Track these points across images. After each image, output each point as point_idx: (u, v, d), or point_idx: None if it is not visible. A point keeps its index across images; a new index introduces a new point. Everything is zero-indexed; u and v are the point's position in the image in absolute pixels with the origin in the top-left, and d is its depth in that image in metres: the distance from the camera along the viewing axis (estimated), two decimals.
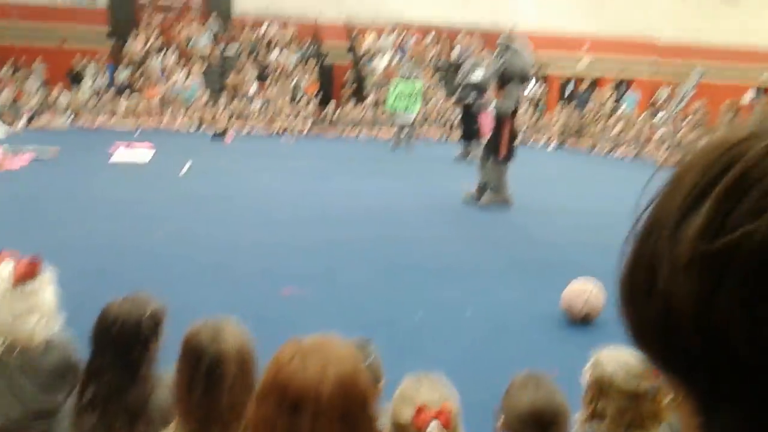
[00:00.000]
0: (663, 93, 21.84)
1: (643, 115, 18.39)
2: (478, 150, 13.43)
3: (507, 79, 8.55)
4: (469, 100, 13.23)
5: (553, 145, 17.64)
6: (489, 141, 9.07)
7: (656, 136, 16.34)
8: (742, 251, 0.40)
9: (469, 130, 13.56)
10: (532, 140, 17.95)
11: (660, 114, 18.95)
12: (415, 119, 15.37)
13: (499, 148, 8.68)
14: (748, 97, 22.84)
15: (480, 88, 12.94)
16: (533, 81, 14.53)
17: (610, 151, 16.68)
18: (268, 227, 7.35)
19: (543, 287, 5.54)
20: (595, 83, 21.50)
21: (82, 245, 6.21)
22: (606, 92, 20.69)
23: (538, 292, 5.48)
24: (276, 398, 1.27)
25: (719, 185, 0.42)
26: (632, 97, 20.73)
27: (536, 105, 19.83)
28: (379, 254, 6.49)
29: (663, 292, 0.44)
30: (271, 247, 6.56)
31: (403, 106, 14.75)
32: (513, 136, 8.88)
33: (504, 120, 8.69)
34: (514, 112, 8.82)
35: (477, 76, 13.03)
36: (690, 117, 17.75)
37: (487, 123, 9.17)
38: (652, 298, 0.45)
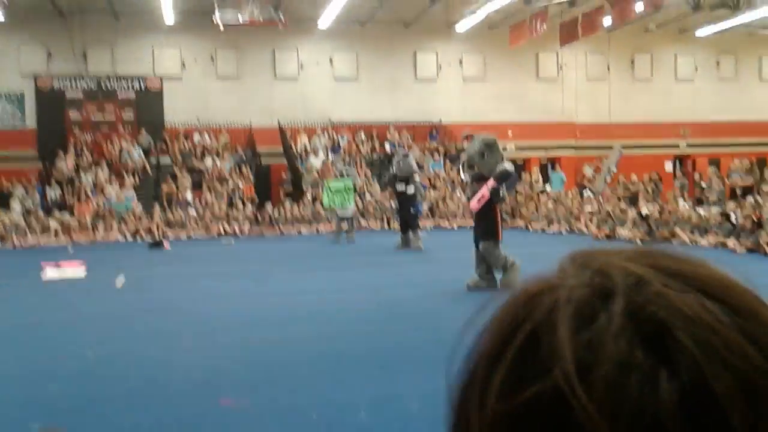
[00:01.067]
0: (588, 170, 22.83)
1: (570, 192, 19.11)
2: (415, 238, 13.66)
3: (487, 172, 9.25)
4: (402, 189, 13.64)
5: None
6: (478, 229, 9.45)
7: (586, 211, 16.93)
8: (533, 413, 0.40)
9: (406, 220, 13.90)
10: (469, 225, 18.30)
11: (587, 191, 19.74)
12: (353, 212, 15.73)
13: (495, 231, 9.26)
14: (668, 166, 24.10)
15: (407, 179, 13.59)
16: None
17: (545, 228, 17.15)
18: (205, 336, 7.15)
19: None
20: (523, 166, 22.36)
21: (7, 373, 5.90)
22: (534, 174, 21.49)
23: None
24: None
25: (513, 344, 0.43)
26: (558, 176, 21.60)
27: None
28: (322, 352, 6.37)
29: None
30: (209, 356, 6.36)
31: (339, 201, 15.10)
32: (501, 218, 9.63)
33: (493, 203, 9.34)
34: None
35: (411, 166, 13.73)
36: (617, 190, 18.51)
37: (478, 201, 9.52)
38: None
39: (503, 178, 9.37)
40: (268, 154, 21.95)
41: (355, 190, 15.71)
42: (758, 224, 12.30)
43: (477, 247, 9.37)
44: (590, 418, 0.38)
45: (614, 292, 0.42)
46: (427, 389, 5.26)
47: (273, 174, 21.68)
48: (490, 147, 9.33)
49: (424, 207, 19.11)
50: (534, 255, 9.62)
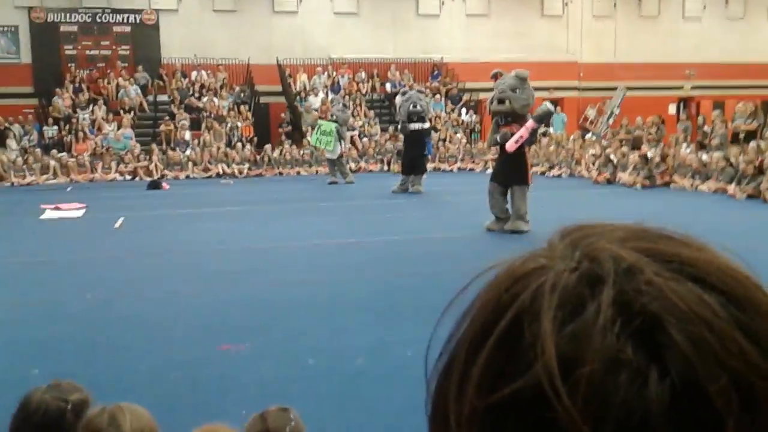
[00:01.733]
0: (590, 112, 22.57)
1: (573, 135, 18.91)
2: (418, 180, 13.56)
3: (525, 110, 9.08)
4: (417, 127, 13.48)
5: (489, 170, 17.91)
6: (510, 173, 9.21)
7: (587, 155, 16.81)
8: (514, 410, 0.38)
9: (414, 161, 13.69)
10: (469, 167, 18.24)
11: (589, 134, 19.55)
12: (340, 155, 15.70)
13: (527, 176, 9.19)
14: (672, 108, 23.80)
15: (422, 118, 13.41)
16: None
17: (546, 171, 17.05)
18: (205, 280, 7.19)
19: None
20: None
21: (7, 317, 5.95)
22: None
23: None
24: None
25: (495, 331, 0.40)
26: (559, 117, 21.40)
27: (471, 132, 20.19)
28: (321, 298, 6.42)
29: None
30: (207, 301, 6.41)
31: (324, 142, 15.06)
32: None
33: (523, 147, 9.14)
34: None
35: (428, 104, 13.67)
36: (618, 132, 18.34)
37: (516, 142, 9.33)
38: None
39: (544, 118, 9.14)
40: (266, 93, 21.64)
41: (340, 136, 15.51)
42: (760, 170, 12.22)
43: (502, 187, 9.23)
44: (573, 421, 0.36)
45: (603, 279, 0.39)
46: (424, 336, 5.32)
47: (272, 113, 21.43)
48: (523, 81, 9.12)
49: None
50: (535, 199, 9.63)
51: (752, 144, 13.85)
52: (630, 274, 0.39)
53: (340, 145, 15.58)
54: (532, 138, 9.17)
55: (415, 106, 13.42)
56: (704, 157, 14.02)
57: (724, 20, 26.88)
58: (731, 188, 12.50)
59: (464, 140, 19.58)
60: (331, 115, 16.11)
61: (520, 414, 0.38)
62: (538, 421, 0.37)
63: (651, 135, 17.45)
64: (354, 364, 4.82)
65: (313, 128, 18.77)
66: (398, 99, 15.03)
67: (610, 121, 21.43)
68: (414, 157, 13.66)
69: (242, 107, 19.77)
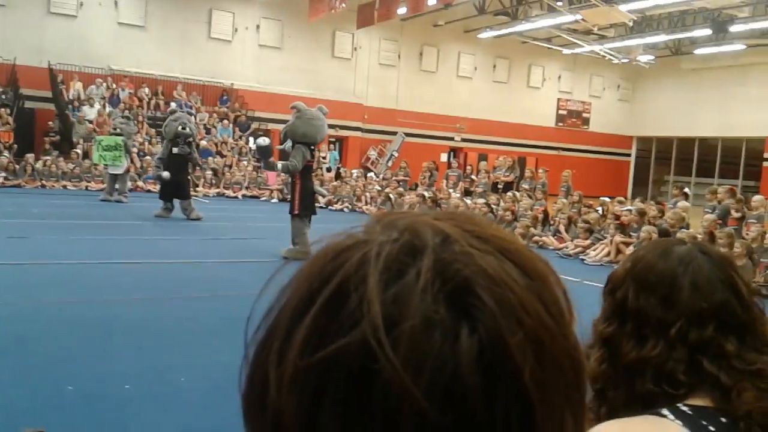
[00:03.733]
0: (372, 153, 23.75)
1: (356, 172, 19.70)
2: (190, 207, 12.85)
3: (294, 140, 9.30)
4: (185, 150, 12.77)
5: (274, 200, 17.95)
6: (289, 199, 9.61)
7: (368, 193, 17.60)
8: (338, 367, 0.40)
9: (180, 186, 12.75)
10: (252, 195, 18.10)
11: (371, 173, 20.53)
12: (125, 171, 14.87)
13: (293, 204, 9.40)
14: (444, 156, 25.81)
15: (187, 140, 12.78)
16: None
17: (327, 205, 17.49)
18: None
19: None
20: None
21: None
22: (323, 151, 21.85)
23: None
24: None
25: (320, 297, 0.42)
26: (333, 155, 22.49)
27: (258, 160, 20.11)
28: (86, 321, 5.90)
29: (273, 409, 0.42)
30: None
31: (110, 158, 14.17)
32: (306, 192, 9.48)
33: (294, 178, 9.45)
34: (306, 170, 9.45)
35: (187, 129, 12.77)
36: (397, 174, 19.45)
37: (271, 177, 9.81)
38: (265, 414, 0.43)
39: (261, 153, 9.84)
40: (33, 98, 19.68)
41: (127, 149, 14.68)
42: (514, 217, 13.72)
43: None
44: (395, 370, 0.39)
45: (423, 248, 0.43)
46: (199, 362, 5.12)
47: (38, 120, 19.51)
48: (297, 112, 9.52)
49: (208, 174, 18.50)
50: (318, 230, 9.81)
51: (509, 193, 15.53)
52: (446, 244, 0.44)
53: (126, 159, 14.70)
54: (270, 169, 9.74)
55: (183, 128, 12.61)
56: (469, 201, 15.40)
57: (491, 82, 30.02)
58: None
59: (250, 167, 19.45)
60: (114, 128, 15.08)
61: (343, 370, 0.40)
62: (361, 374, 0.40)
63: (424, 179, 18.78)
64: (122, 390, 4.48)
65: (86, 141, 17.46)
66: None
67: (389, 162, 22.72)
68: (181, 181, 12.69)
69: (2, 110, 17.75)
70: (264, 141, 9.77)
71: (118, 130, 14.78)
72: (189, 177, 13.13)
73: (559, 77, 31.35)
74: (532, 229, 13.09)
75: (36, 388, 4.39)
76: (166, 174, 12.55)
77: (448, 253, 0.43)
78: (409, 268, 0.42)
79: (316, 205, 10.27)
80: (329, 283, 0.42)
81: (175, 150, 12.68)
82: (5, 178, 15.84)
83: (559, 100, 31.79)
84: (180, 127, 12.61)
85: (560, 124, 31.89)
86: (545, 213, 13.98)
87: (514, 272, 0.43)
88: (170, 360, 5.11)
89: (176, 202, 12.90)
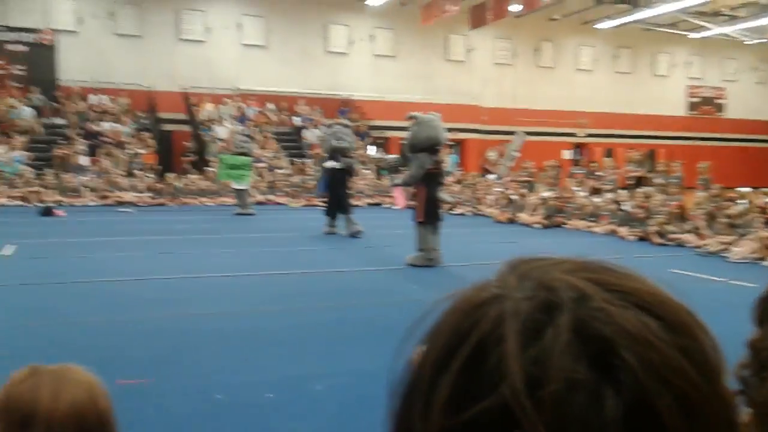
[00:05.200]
0: (491, 154, 23.45)
1: (475, 175, 19.55)
2: (351, 221, 12.36)
3: (416, 148, 9.26)
4: (339, 164, 12.37)
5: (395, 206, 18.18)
6: (413, 207, 9.61)
7: (490, 195, 17.40)
8: (481, 428, 0.40)
9: (339, 199, 12.38)
10: (376, 202, 18.41)
11: (491, 175, 20.28)
12: (248, 185, 15.60)
13: (418, 212, 9.40)
14: (567, 154, 25.08)
15: (345, 153, 12.47)
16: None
17: (450, 208, 17.47)
18: (106, 310, 6.85)
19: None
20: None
21: None
22: (443, 156, 21.87)
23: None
24: (5, 416, 1.26)
25: (458, 355, 0.43)
26: (452, 157, 22.41)
27: (378, 168, 20.45)
28: (229, 331, 6.25)
29: None
30: (106, 333, 6.10)
31: (235, 177, 14.82)
32: (430, 200, 9.37)
33: (418, 186, 9.39)
34: (430, 178, 9.32)
35: (344, 141, 12.47)
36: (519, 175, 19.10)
37: (398, 195, 9.98)
38: None
39: (390, 169, 9.86)
40: (170, 121, 21.12)
41: (249, 166, 15.38)
42: (648, 215, 13.06)
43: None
44: None
45: (559, 306, 0.42)
46: (334, 370, 5.28)
47: (175, 142, 20.91)
48: (414, 121, 9.53)
49: None
50: (444, 235, 9.86)
51: (640, 190, 14.82)
52: (582, 301, 0.43)
53: (251, 177, 15.47)
54: (408, 185, 9.69)
55: (339, 141, 12.34)
56: (597, 200, 14.84)
57: (613, 74, 28.83)
58: (622, 230, 13.26)
59: (370, 174, 19.83)
60: (237, 146, 15.78)
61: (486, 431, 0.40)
62: None
63: (549, 178, 18.30)
64: (263, 398, 4.71)
65: (217, 159, 18.48)
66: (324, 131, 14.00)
67: (511, 164, 22.36)
68: (340, 194, 12.28)
69: (144, 134, 19.18)
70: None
71: (243, 149, 15.43)
72: (348, 191, 12.73)
73: (689, 63, 29.60)
74: (667, 227, 12.42)
75: (190, 395, 4.70)
76: (330, 163, 12.36)
77: (585, 309, 0.42)
78: (547, 327, 0.42)
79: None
80: (466, 341, 0.43)
81: (331, 164, 12.35)
82: (151, 197, 17.09)
83: (689, 87, 30.02)
84: (335, 141, 12.39)
85: (693, 112, 30.08)
86: (681, 208, 13.20)
87: (657, 327, 0.42)
88: (306, 368, 5.30)
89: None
